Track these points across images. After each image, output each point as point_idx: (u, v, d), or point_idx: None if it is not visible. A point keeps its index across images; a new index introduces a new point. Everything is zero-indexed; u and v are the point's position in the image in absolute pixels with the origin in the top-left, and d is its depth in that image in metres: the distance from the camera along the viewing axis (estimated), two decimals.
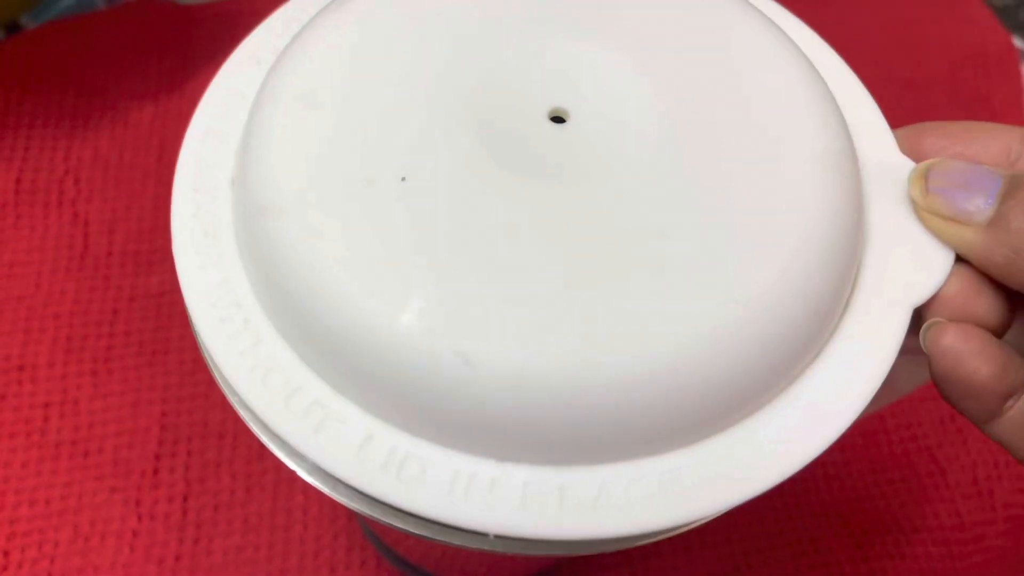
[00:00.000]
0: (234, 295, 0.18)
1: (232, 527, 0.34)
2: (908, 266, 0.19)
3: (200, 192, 0.19)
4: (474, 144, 0.18)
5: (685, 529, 0.18)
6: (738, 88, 0.19)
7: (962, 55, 0.51)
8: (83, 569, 0.33)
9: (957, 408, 0.19)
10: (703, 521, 0.17)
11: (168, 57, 0.45)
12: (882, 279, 0.19)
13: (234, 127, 0.20)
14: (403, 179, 0.17)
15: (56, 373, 0.36)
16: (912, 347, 0.19)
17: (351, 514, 0.35)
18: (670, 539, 0.35)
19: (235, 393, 0.17)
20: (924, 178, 0.19)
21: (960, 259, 0.19)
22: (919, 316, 0.19)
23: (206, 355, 0.18)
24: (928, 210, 0.19)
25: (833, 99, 0.20)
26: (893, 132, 0.21)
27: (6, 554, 0.33)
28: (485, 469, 0.17)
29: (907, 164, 0.20)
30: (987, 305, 0.19)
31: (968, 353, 0.18)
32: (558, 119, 0.19)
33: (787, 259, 0.17)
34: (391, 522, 0.17)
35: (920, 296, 0.19)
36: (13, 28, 0.45)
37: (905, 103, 0.48)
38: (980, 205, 0.18)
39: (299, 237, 0.17)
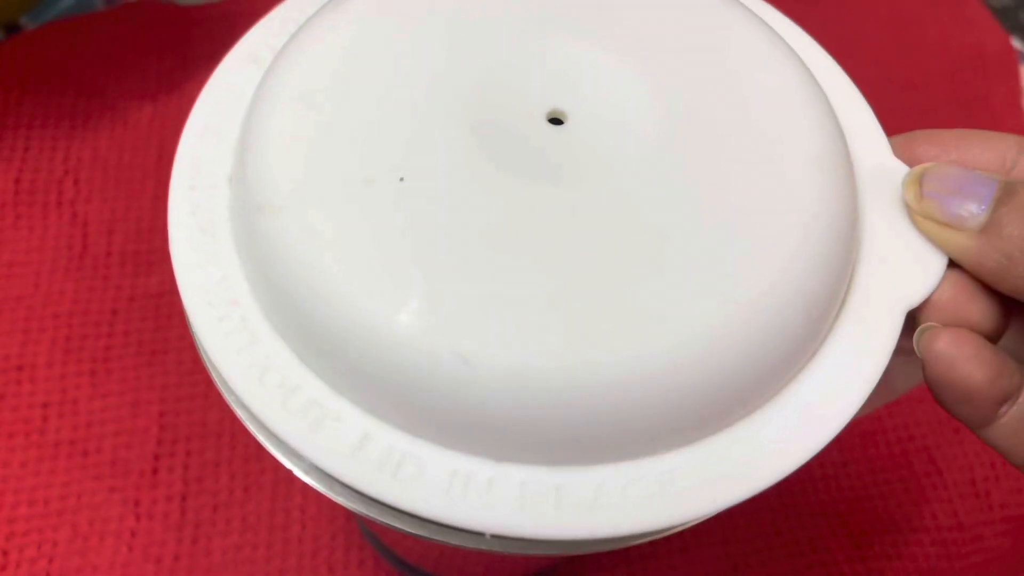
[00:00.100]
0: (231, 293, 0.18)
1: (231, 527, 0.34)
2: (902, 268, 0.19)
3: (197, 190, 0.19)
4: (472, 145, 0.18)
5: (682, 529, 0.18)
6: (735, 91, 0.19)
7: (961, 56, 0.51)
8: (82, 569, 0.33)
9: (952, 413, 0.19)
10: (700, 521, 0.17)
11: (167, 57, 0.45)
12: (877, 281, 0.19)
13: (232, 125, 0.20)
14: (401, 179, 0.17)
15: (55, 373, 0.36)
16: (907, 348, 0.19)
17: (350, 514, 0.35)
18: (668, 539, 0.35)
19: (232, 392, 0.17)
20: (918, 182, 0.19)
21: (954, 263, 0.19)
22: (913, 318, 0.19)
23: (203, 353, 0.18)
24: (922, 214, 0.19)
25: (828, 101, 0.20)
26: (889, 139, 0.21)
27: (5, 554, 0.33)
28: (483, 469, 0.17)
29: (901, 167, 0.20)
30: (981, 310, 0.19)
31: (961, 358, 0.18)
32: (556, 120, 0.19)
33: (784, 261, 0.17)
34: (388, 522, 0.17)
35: (914, 298, 0.19)
36: (13, 29, 0.45)
37: (904, 104, 0.48)
38: (973, 211, 0.18)
39: (297, 236, 0.17)
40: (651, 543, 0.36)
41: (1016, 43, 0.51)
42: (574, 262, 0.16)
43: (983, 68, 0.51)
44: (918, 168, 0.19)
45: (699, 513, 0.17)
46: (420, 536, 0.17)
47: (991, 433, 0.18)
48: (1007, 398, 0.18)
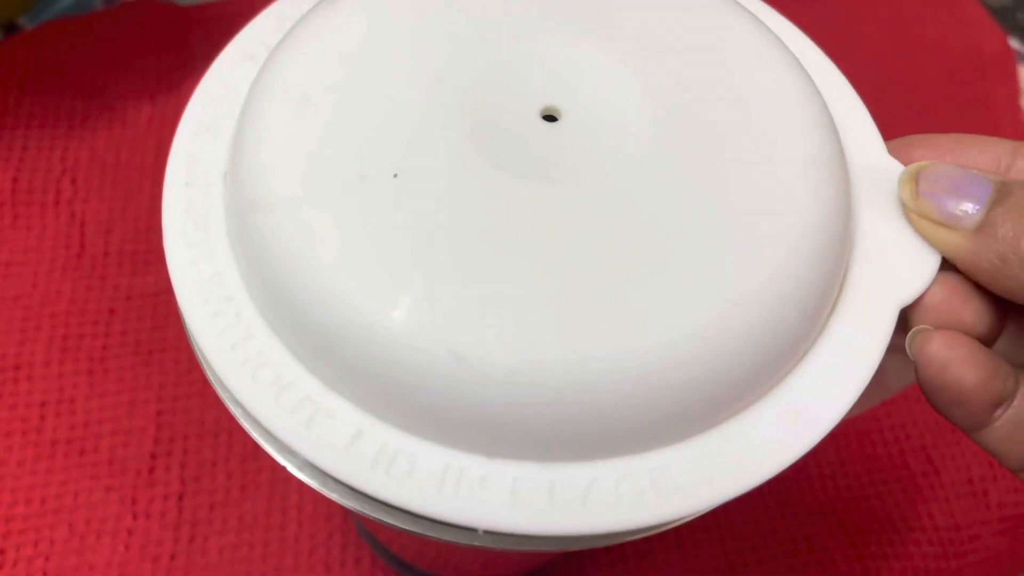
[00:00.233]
0: (226, 290, 0.18)
1: (227, 526, 0.34)
2: (895, 266, 0.19)
3: (192, 187, 0.19)
4: (466, 141, 0.18)
5: (675, 525, 0.18)
6: (730, 90, 0.19)
7: (959, 56, 0.51)
8: (78, 567, 0.33)
9: (946, 417, 0.19)
10: (692, 517, 0.18)
11: (165, 57, 0.45)
12: (870, 279, 0.19)
13: (226, 122, 0.20)
14: (395, 175, 0.17)
15: (52, 372, 0.37)
16: (900, 346, 0.19)
17: (346, 513, 0.35)
18: (664, 537, 0.35)
19: (225, 388, 0.17)
20: (914, 180, 0.19)
21: (947, 265, 0.19)
22: (907, 316, 0.19)
23: (197, 350, 0.18)
24: (917, 213, 0.19)
25: (823, 101, 0.20)
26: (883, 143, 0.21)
27: (2, 552, 0.33)
28: (475, 465, 0.17)
29: (895, 166, 0.20)
30: (974, 312, 0.19)
31: (954, 360, 0.18)
32: (550, 118, 0.19)
33: (778, 259, 0.17)
34: (381, 518, 0.17)
35: (907, 296, 0.19)
36: (11, 29, 0.45)
37: (902, 104, 0.48)
38: (969, 210, 0.18)
39: (290, 232, 0.17)
40: (647, 541, 0.36)
41: (1014, 43, 0.51)
42: (568, 259, 0.16)
43: (981, 68, 0.51)
44: (914, 166, 0.19)
45: (691, 510, 0.17)
46: (413, 532, 0.17)
47: (985, 437, 0.18)
48: (1001, 402, 0.18)
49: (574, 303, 0.16)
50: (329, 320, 0.16)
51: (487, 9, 0.20)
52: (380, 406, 0.17)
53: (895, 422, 0.39)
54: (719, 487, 0.17)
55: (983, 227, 0.18)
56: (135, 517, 0.34)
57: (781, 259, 0.17)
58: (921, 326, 0.19)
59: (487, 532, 0.17)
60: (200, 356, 0.18)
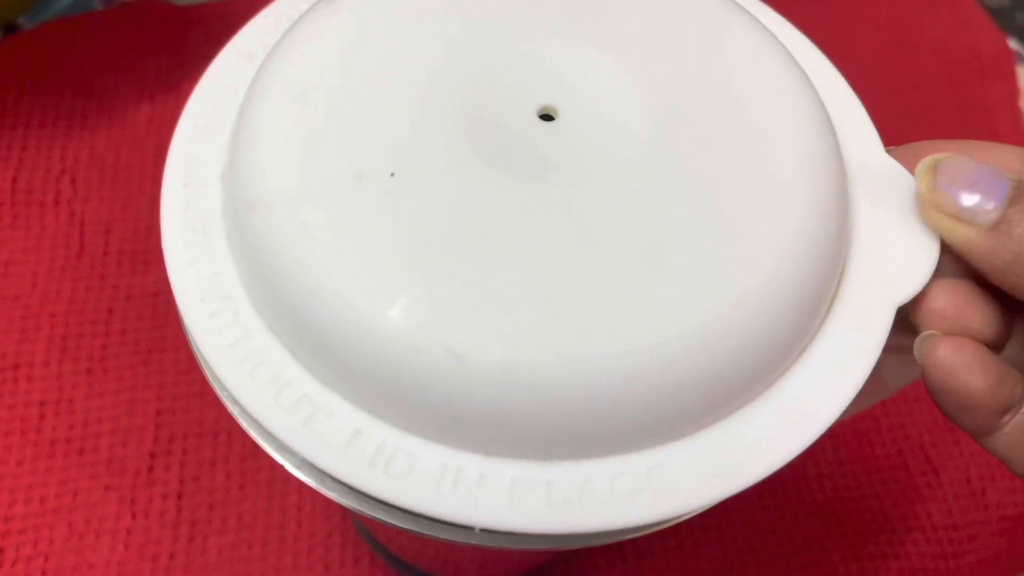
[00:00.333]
0: (224, 289, 0.18)
1: (226, 525, 0.34)
2: (892, 266, 0.19)
3: (190, 187, 0.19)
4: (463, 140, 0.18)
5: (672, 523, 0.18)
6: (727, 90, 0.19)
7: (958, 57, 0.51)
8: (77, 567, 0.33)
9: (954, 422, 0.19)
10: (688, 516, 0.18)
11: (164, 57, 0.45)
12: (867, 277, 0.19)
13: (224, 122, 0.20)
14: (392, 175, 0.17)
15: (52, 372, 0.37)
16: (897, 346, 0.19)
17: (345, 512, 0.35)
18: (663, 537, 0.35)
19: (224, 387, 0.17)
20: (932, 173, 0.19)
21: (951, 270, 0.19)
22: (904, 315, 0.19)
23: (195, 349, 0.18)
24: (933, 206, 0.19)
25: (820, 100, 0.20)
26: (891, 151, 0.21)
27: (1, 551, 0.33)
28: (473, 464, 0.17)
29: (891, 164, 0.20)
30: (982, 318, 0.19)
31: (961, 366, 0.18)
32: (548, 117, 0.19)
33: (775, 258, 0.17)
34: (379, 516, 0.17)
35: (903, 294, 0.19)
36: (10, 28, 0.45)
37: (901, 105, 0.48)
38: (986, 207, 0.18)
39: (288, 232, 0.17)
40: (646, 541, 0.36)
41: (1013, 44, 0.51)
42: (564, 258, 0.17)
43: (980, 69, 0.51)
44: (931, 158, 0.19)
45: (687, 508, 0.17)
46: (411, 531, 0.17)
47: (993, 443, 0.18)
48: (1009, 408, 0.18)
49: (571, 302, 0.16)
50: (326, 319, 0.16)
51: (486, 9, 0.20)
52: (378, 405, 0.17)
53: (893, 422, 0.39)
54: (715, 485, 0.17)
55: (999, 224, 0.18)
56: (134, 516, 0.34)
57: (778, 258, 0.17)
58: (929, 331, 0.19)
59: (484, 531, 0.17)
60: (198, 355, 0.18)
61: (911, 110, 0.49)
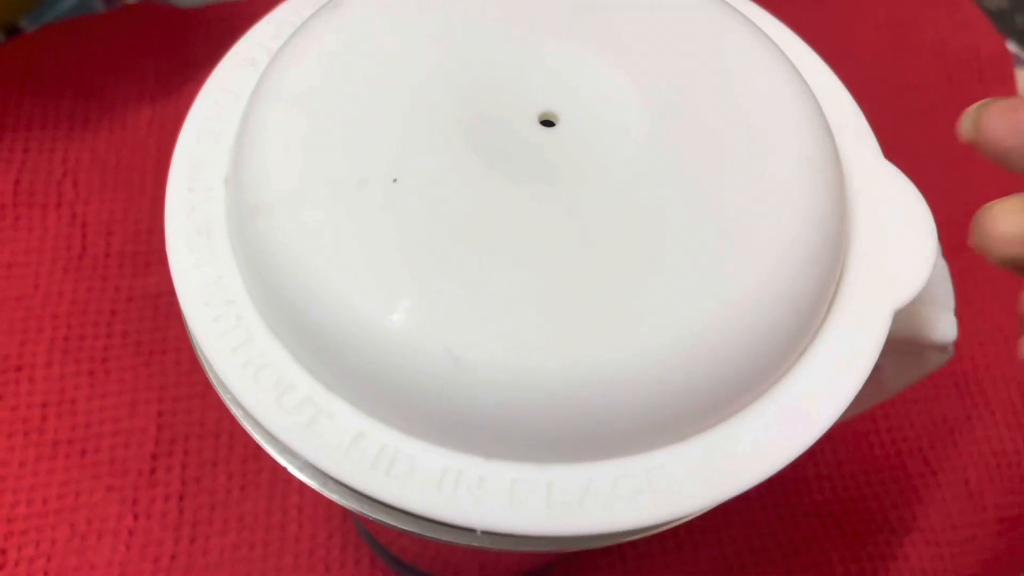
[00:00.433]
0: (227, 293, 0.18)
1: (228, 526, 0.34)
2: (890, 268, 0.19)
3: (194, 191, 0.19)
4: (464, 146, 0.18)
5: (672, 526, 0.18)
6: (726, 94, 0.19)
7: (956, 59, 0.51)
8: (80, 567, 0.33)
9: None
10: (688, 518, 0.18)
11: (166, 60, 0.45)
12: (865, 281, 0.19)
13: (228, 127, 0.20)
14: (394, 180, 0.17)
15: (54, 373, 0.37)
16: (897, 347, 0.19)
17: (346, 513, 0.35)
18: (662, 538, 0.36)
19: (227, 390, 0.17)
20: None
21: None
22: (902, 318, 0.19)
23: (199, 352, 0.18)
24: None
25: (818, 104, 0.20)
26: (985, 105, 0.20)
27: (3, 552, 0.33)
28: (473, 466, 0.17)
29: (888, 167, 0.21)
30: None
31: None
32: (548, 123, 0.19)
33: (773, 261, 0.17)
34: (381, 518, 0.18)
35: (901, 298, 0.19)
36: (12, 31, 0.45)
37: (899, 106, 0.49)
38: None
39: (291, 236, 0.17)
40: (646, 542, 0.36)
41: (1012, 46, 0.52)
42: (564, 262, 0.17)
43: (979, 71, 0.51)
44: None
45: (688, 510, 0.17)
46: (412, 533, 0.18)
47: None
48: None
49: (571, 306, 0.16)
50: (329, 323, 0.17)
51: (487, 14, 0.20)
52: (380, 408, 0.17)
53: (892, 423, 0.39)
54: (716, 487, 0.17)
55: None
56: (136, 517, 0.34)
57: (777, 261, 0.17)
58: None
59: (485, 533, 0.17)
60: (203, 359, 0.18)
61: (909, 112, 0.49)
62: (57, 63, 0.44)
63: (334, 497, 0.18)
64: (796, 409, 0.18)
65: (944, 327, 0.22)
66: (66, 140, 0.42)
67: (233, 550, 0.34)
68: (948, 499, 0.38)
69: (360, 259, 0.16)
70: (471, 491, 0.17)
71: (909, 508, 0.38)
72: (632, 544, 0.35)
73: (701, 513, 0.17)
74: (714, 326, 0.17)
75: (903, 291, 0.19)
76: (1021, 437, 0.39)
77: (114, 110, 0.43)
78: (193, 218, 0.19)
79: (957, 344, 0.22)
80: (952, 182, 0.46)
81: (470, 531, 0.17)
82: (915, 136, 0.47)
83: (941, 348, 0.22)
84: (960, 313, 0.22)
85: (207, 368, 0.18)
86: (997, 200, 0.18)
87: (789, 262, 0.17)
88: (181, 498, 0.35)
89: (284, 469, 0.18)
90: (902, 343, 0.21)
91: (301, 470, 0.18)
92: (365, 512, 0.18)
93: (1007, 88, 0.50)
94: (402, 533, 0.18)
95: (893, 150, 0.22)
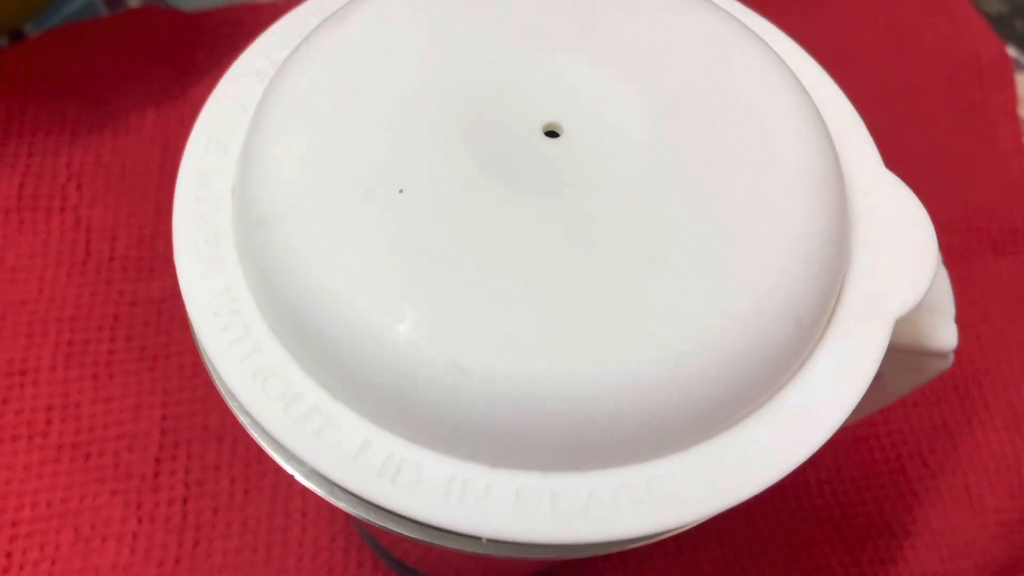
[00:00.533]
0: (235, 303, 0.18)
1: (231, 529, 0.35)
2: (891, 278, 0.19)
3: (201, 202, 0.19)
4: (469, 157, 0.18)
5: (675, 532, 0.18)
6: (730, 105, 0.19)
7: (956, 63, 0.51)
8: (84, 571, 0.33)
9: None
10: (691, 526, 0.18)
11: (170, 64, 0.45)
12: (866, 291, 0.19)
13: (235, 137, 0.20)
14: (401, 191, 0.17)
15: (58, 377, 0.37)
16: (898, 354, 0.20)
17: (349, 517, 0.35)
18: (663, 543, 0.36)
19: (235, 399, 0.18)
20: None
21: None
22: (903, 326, 0.20)
23: (207, 361, 0.18)
24: None
25: (819, 114, 0.20)
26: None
27: (8, 555, 0.33)
28: (479, 475, 0.17)
29: (889, 176, 0.21)
30: None
31: None
32: (553, 134, 0.19)
33: (775, 272, 0.18)
34: (387, 526, 0.18)
35: (902, 308, 0.19)
36: (17, 36, 0.45)
37: (899, 111, 0.49)
38: None
39: (297, 246, 0.17)
40: (647, 546, 0.36)
41: (1012, 51, 0.52)
42: (570, 274, 0.17)
43: (979, 76, 0.51)
44: None
45: (691, 518, 0.17)
46: (418, 540, 0.18)
47: None
48: None
49: (575, 317, 0.16)
50: (335, 332, 0.17)
51: (496, 29, 0.20)
52: (386, 417, 0.17)
53: (892, 427, 0.40)
54: (719, 496, 0.17)
55: None
56: (140, 521, 0.34)
57: (778, 272, 0.18)
58: None
59: (491, 540, 0.17)
60: (211, 368, 0.18)
61: (909, 116, 0.49)
62: (61, 68, 0.44)
63: (341, 505, 0.18)
64: (799, 417, 0.18)
65: (945, 335, 0.22)
66: (70, 144, 0.42)
67: (236, 553, 0.34)
68: (948, 503, 0.38)
69: (366, 270, 0.17)
70: (477, 500, 0.17)
71: (909, 512, 0.38)
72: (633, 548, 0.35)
73: (704, 521, 0.18)
74: (720, 337, 0.17)
75: (904, 301, 0.19)
76: (1021, 441, 0.39)
77: (118, 115, 0.43)
78: (201, 228, 0.19)
79: (957, 349, 0.22)
80: (952, 186, 0.46)
81: (476, 539, 0.17)
82: (915, 140, 0.47)
83: (942, 355, 0.23)
84: (960, 319, 0.22)
85: (215, 377, 0.18)
86: None
87: (792, 273, 0.18)
88: (185, 502, 0.35)
89: (287, 473, 0.18)
90: (903, 351, 0.21)
91: (308, 478, 0.18)
92: (371, 520, 0.18)
93: (1007, 93, 0.50)
94: (407, 539, 0.18)
95: (892, 154, 0.22)
